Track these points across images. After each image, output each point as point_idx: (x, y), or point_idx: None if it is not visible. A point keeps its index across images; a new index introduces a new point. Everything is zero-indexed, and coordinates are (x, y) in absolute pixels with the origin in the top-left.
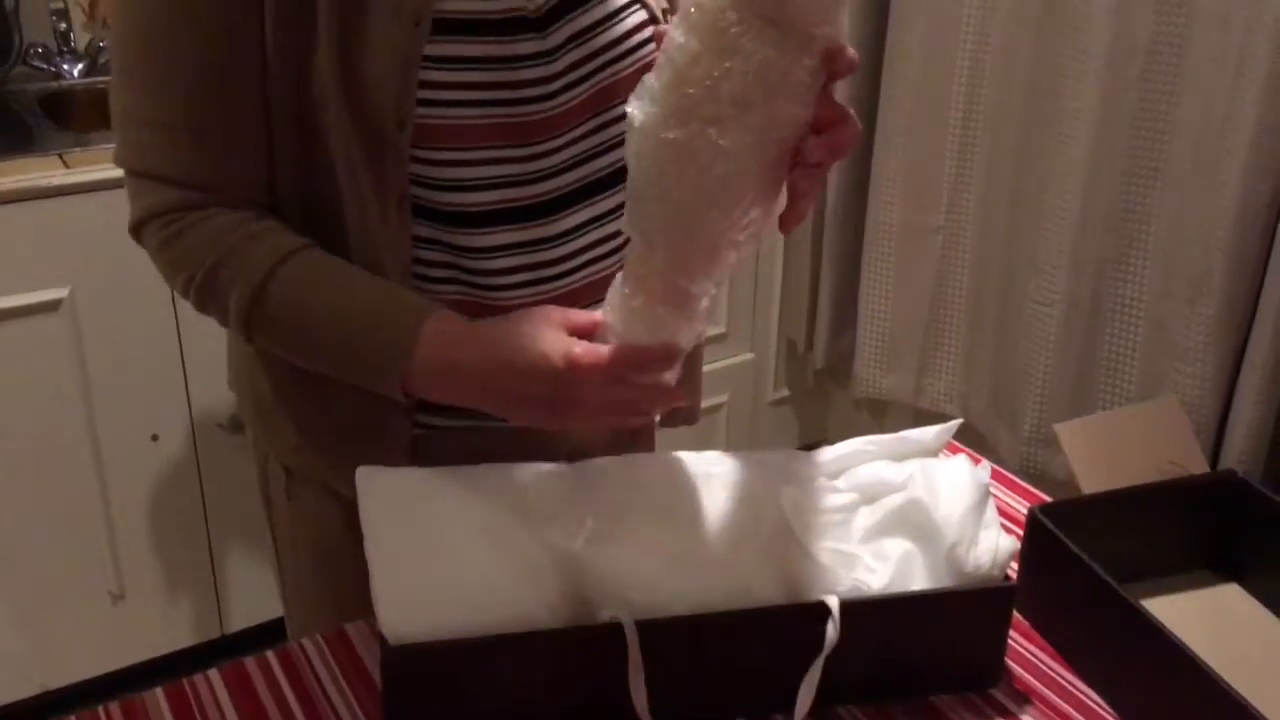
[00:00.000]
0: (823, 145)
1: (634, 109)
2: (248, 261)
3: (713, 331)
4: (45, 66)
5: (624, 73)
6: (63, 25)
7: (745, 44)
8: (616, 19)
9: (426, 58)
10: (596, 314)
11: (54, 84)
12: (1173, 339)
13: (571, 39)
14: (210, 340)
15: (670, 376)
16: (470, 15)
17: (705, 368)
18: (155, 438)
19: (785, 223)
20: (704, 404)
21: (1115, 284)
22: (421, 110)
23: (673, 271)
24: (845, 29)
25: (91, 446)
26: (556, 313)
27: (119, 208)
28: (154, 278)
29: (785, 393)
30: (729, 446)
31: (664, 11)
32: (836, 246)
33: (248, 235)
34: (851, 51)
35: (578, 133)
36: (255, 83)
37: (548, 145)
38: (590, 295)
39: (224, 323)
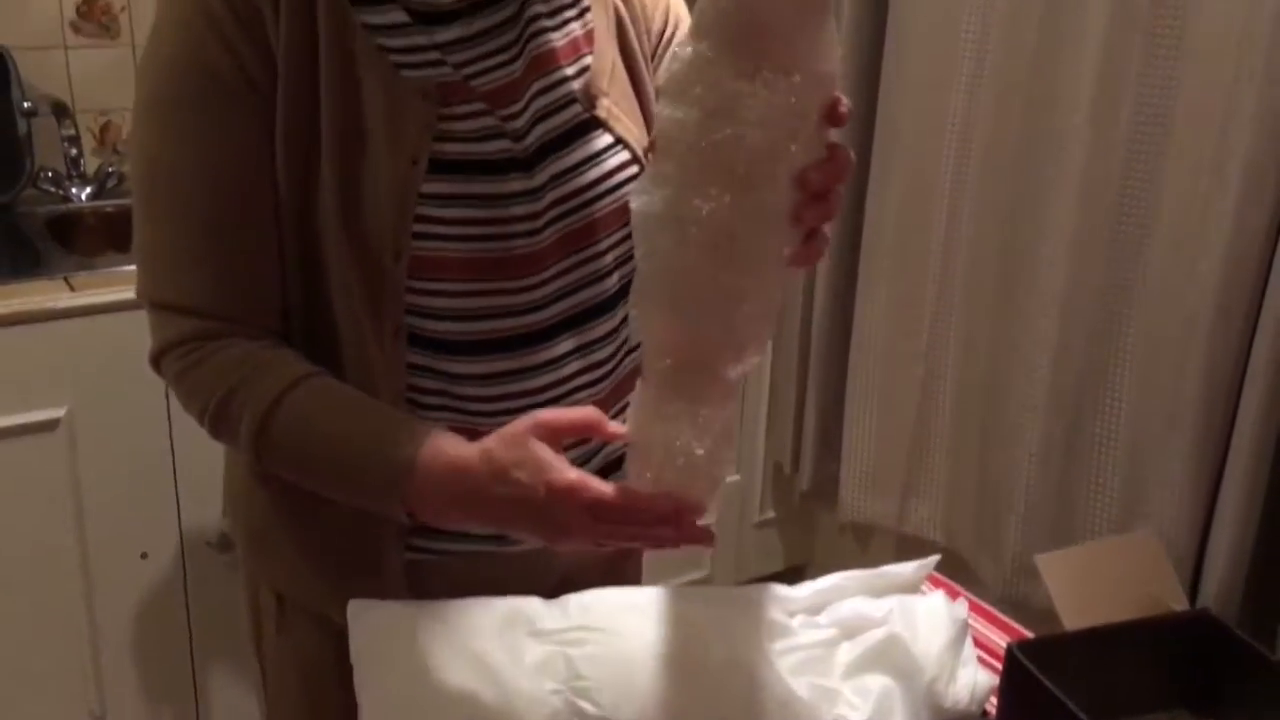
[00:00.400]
0: (824, 172)
1: (633, 198)
2: (256, 390)
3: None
4: (54, 190)
5: (604, 210)
6: (74, 151)
7: (717, 99)
8: (598, 159)
9: (422, 195)
10: (587, 410)
11: (62, 207)
12: (1150, 470)
13: (555, 177)
14: (203, 459)
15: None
16: (465, 156)
17: None
18: (145, 555)
19: (805, 259)
20: None
21: (1093, 414)
22: (416, 244)
23: (693, 352)
24: (825, 72)
25: (81, 563)
26: (546, 424)
27: (120, 330)
28: (150, 397)
29: (771, 514)
30: (715, 567)
31: (645, 151)
32: (821, 370)
33: (258, 364)
34: (845, 101)
35: (562, 266)
36: (269, 217)
37: (533, 279)
38: None
39: (237, 449)
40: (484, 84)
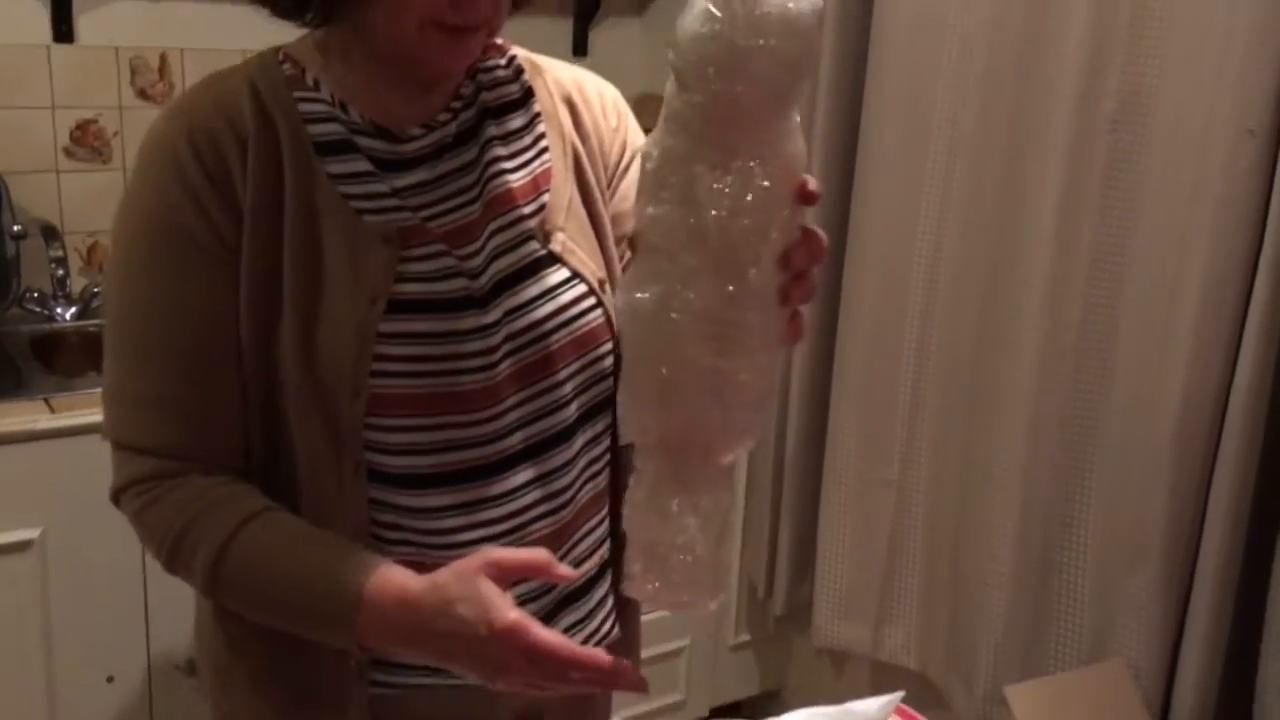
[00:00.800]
0: (804, 252)
1: (620, 298)
2: (211, 527)
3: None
4: (39, 309)
5: (561, 342)
6: (60, 271)
7: (694, 191)
8: (554, 293)
9: (380, 334)
10: (538, 552)
11: (46, 326)
12: (1118, 600)
13: (509, 313)
14: (174, 581)
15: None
16: (422, 296)
17: (663, 613)
18: (111, 679)
19: (789, 338)
20: (665, 648)
21: (1062, 545)
22: (374, 382)
23: (689, 442)
24: (791, 154)
25: (46, 685)
26: (494, 561)
27: (98, 451)
28: (124, 519)
29: (746, 638)
30: (690, 691)
31: (601, 283)
32: (795, 495)
33: (213, 501)
34: (813, 187)
35: (519, 398)
36: (233, 360)
37: (490, 412)
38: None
39: (190, 583)
40: (442, 225)
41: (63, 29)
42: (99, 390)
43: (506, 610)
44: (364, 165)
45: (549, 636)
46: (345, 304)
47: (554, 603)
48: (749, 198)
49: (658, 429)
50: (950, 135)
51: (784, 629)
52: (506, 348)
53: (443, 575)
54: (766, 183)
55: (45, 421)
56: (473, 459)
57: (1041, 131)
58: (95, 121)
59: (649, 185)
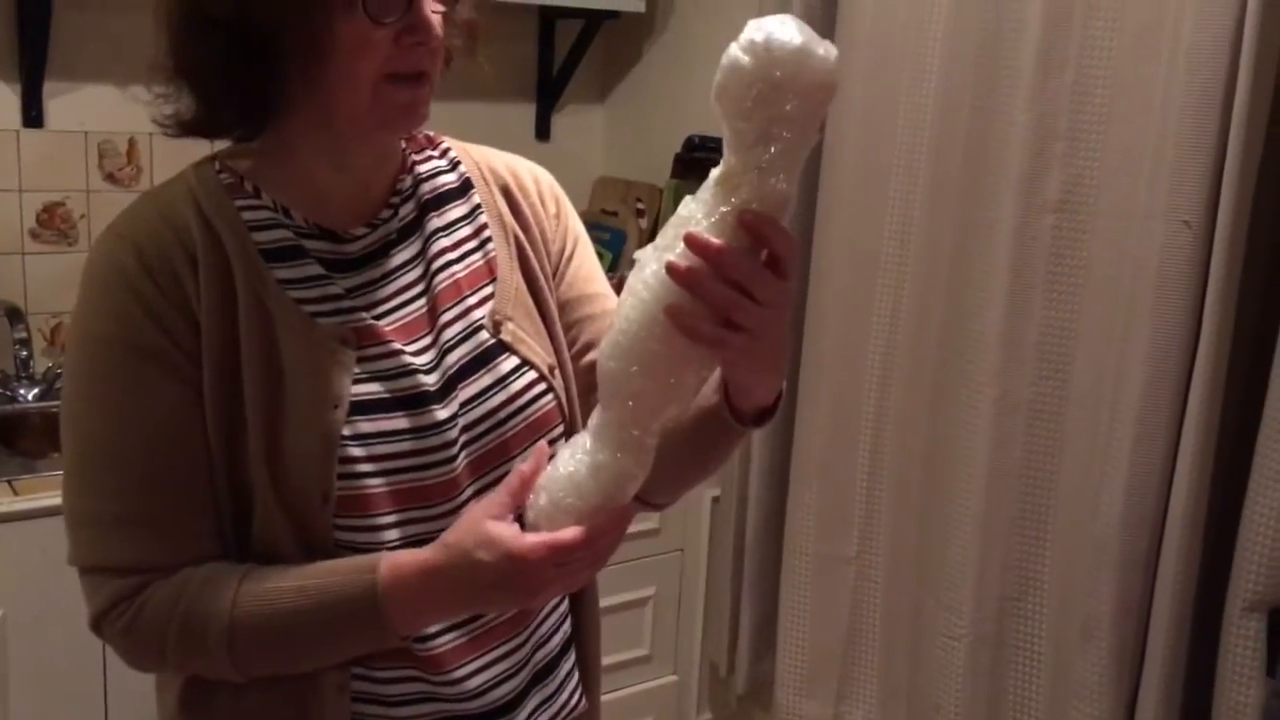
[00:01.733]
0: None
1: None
2: (210, 601)
3: (636, 653)
4: (2, 390)
5: (515, 429)
6: (24, 353)
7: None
8: (504, 383)
9: (344, 437)
10: (515, 477)
11: (9, 407)
12: (1072, 677)
13: (465, 404)
14: (134, 671)
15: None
16: (382, 395)
17: (627, 690)
18: None
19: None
20: None
21: (1017, 621)
22: (341, 483)
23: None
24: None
25: None
26: (497, 501)
27: (60, 533)
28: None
29: (709, 716)
30: None
31: (551, 368)
32: (756, 572)
33: (201, 581)
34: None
35: (476, 487)
36: (203, 470)
37: (450, 504)
38: (490, 639)
39: (207, 663)
40: (392, 323)
41: (33, 113)
42: (61, 473)
43: (520, 538)
44: (315, 269)
45: (566, 536)
46: (308, 410)
47: (525, 681)
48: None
49: (626, 389)
50: (902, 223)
51: (746, 707)
52: (464, 439)
53: (451, 535)
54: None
55: (7, 504)
56: None
57: (988, 216)
58: (63, 204)
59: (707, 185)
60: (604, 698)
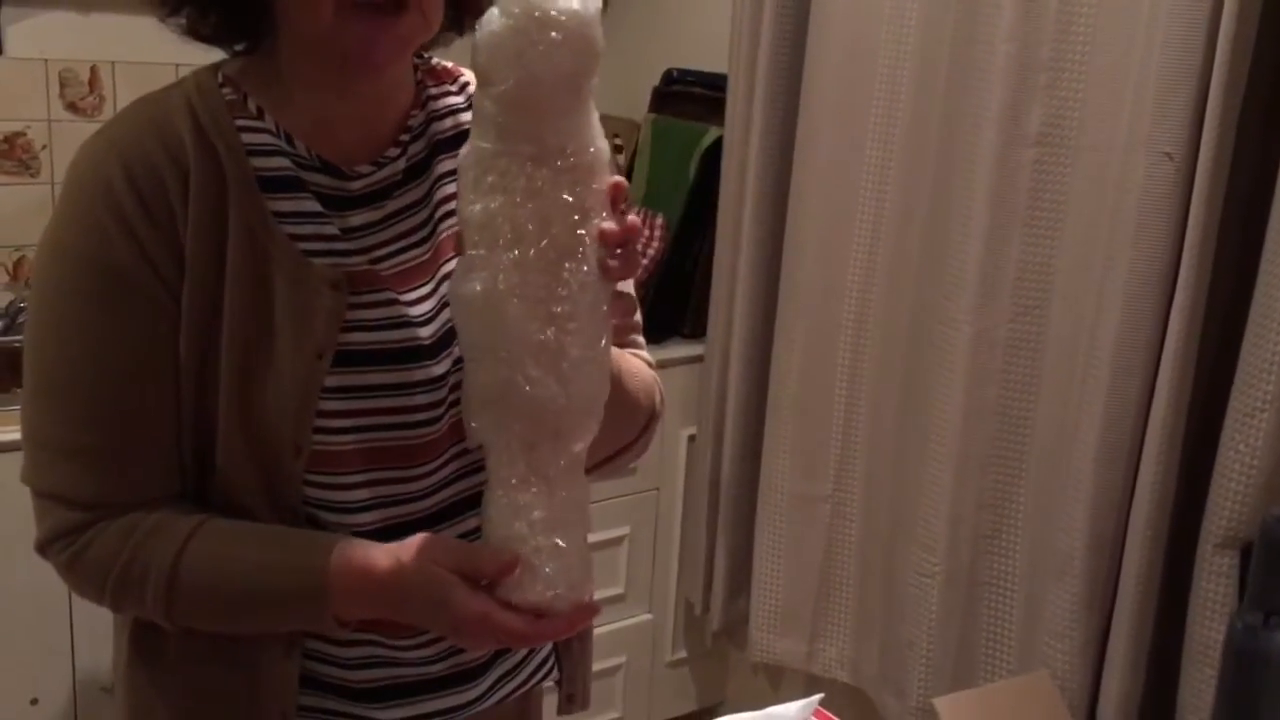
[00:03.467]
0: (618, 231)
1: (452, 288)
2: (155, 552)
3: (611, 592)
4: None
5: None
6: None
7: (510, 182)
8: None
9: (325, 389)
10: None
11: None
12: (1045, 613)
13: (458, 362)
14: (100, 608)
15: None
16: (370, 346)
17: (602, 629)
18: (35, 701)
19: (618, 313)
20: (602, 665)
21: (990, 559)
22: (317, 438)
23: (538, 425)
24: (598, 147)
25: None
26: (451, 555)
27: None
28: None
29: (684, 654)
30: (627, 708)
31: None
32: (730, 512)
33: (149, 529)
34: (622, 180)
35: (456, 449)
36: (169, 408)
37: (430, 466)
38: None
39: (143, 614)
40: (391, 268)
41: None
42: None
43: (466, 602)
44: (312, 204)
45: (511, 621)
46: (289, 357)
47: (489, 652)
48: (559, 182)
49: (507, 421)
50: (881, 157)
51: (721, 645)
52: (452, 398)
53: (404, 554)
54: (575, 170)
55: None
56: (411, 513)
57: (969, 150)
58: (23, 134)
59: (467, 186)
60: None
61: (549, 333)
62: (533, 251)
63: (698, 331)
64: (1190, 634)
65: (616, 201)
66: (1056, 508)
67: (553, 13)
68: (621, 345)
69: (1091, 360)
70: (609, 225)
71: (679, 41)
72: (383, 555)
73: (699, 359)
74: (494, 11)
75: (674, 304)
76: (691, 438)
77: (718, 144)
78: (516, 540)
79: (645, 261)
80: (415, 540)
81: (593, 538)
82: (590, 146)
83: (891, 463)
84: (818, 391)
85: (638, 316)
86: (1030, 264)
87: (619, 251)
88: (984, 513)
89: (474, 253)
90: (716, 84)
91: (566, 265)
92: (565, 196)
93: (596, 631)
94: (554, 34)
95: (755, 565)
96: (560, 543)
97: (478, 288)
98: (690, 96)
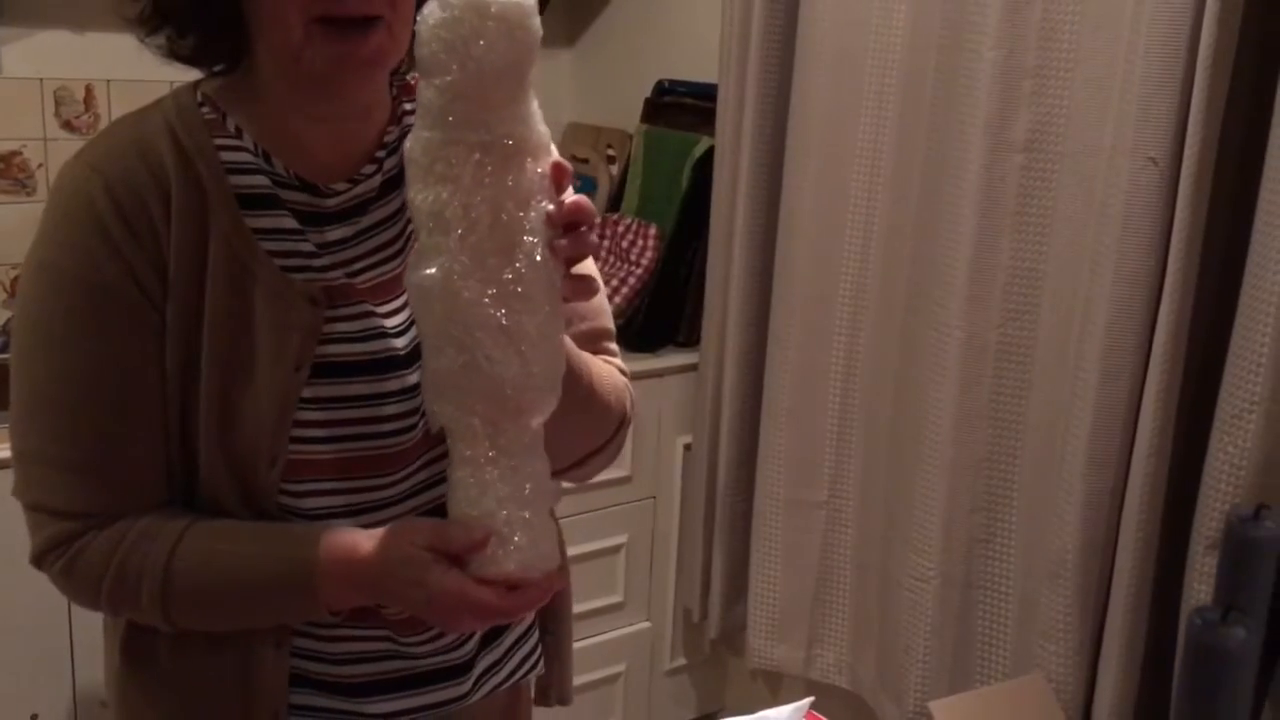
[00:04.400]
0: (565, 211)
1: (408, 275)
2: (147, 554)
3: (609, 600)
4: None
5: None
6: None
7: (458, 170)
8: None
9: (302, 399)
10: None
11: None
12: (1039, 616)
13: None
14: (99, 619)
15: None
16: (345, 358)
17: (600, 637)
18: (35, 717)
19: (579, 293)
20: (601, 673)
21: (984, 562)
22: (292, 447)
23: (498, 402)
24: (540, 132)
25: None
26: (430, 544)
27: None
28: None
29: (683, 661)
30: (627, 716)
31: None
32: (727, 519)
33: (140, 533)
34: (565, 163)
35: (427, 458)
36: (157, 419)
37: (395, 476)
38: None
39: (139, 615)
40: (366, 281)
41: None
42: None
43: (442, 579)
44: (289, 221)
45: (485, 595)
46: (266, 370)
47: (476, 646)
48: (506, 168)
49: (469, 402)
50: (871, 164)
51: (719, 652)
52: (420, 410)
53: (386, 537)
54: (520, 155)
55: None
56: (382, 520)
57: (956, 156)
58: (19, 153)
59: (416, 176)
60: (577, 644)
61: (505, 313)
62: (484, 237)
63: (692, 340)
64: (1182, 634)
65: (560, 183)
66: (1049, 510)
67: (493, 5)
68: (594, 352)
69: (1080, 364)
70: (553, 207)
71: (670, 52)
72: (364, 539)
73: (693, 368)
74: (434, 4)
75: (668, 313)
76: (687, 446)
77: (710, 154)
78: (485, 516)
79: (638, 270)
80: (393, 525)
81: (591, 547)
82: (533, 132)
83: (885, 468)
84: (811, 398)
85: (609, 324)
86: (1019, 269)
87: (567, 231)
88: (977, 516)
89: (427, 240)
90: (708, 94)
91: (517, 248)
92: (511, 181)
93: (595, 640)
94: (495, 24)
95: (752, 572)
96: (527, 515)
97: (433, 273)
98: (682, 107)
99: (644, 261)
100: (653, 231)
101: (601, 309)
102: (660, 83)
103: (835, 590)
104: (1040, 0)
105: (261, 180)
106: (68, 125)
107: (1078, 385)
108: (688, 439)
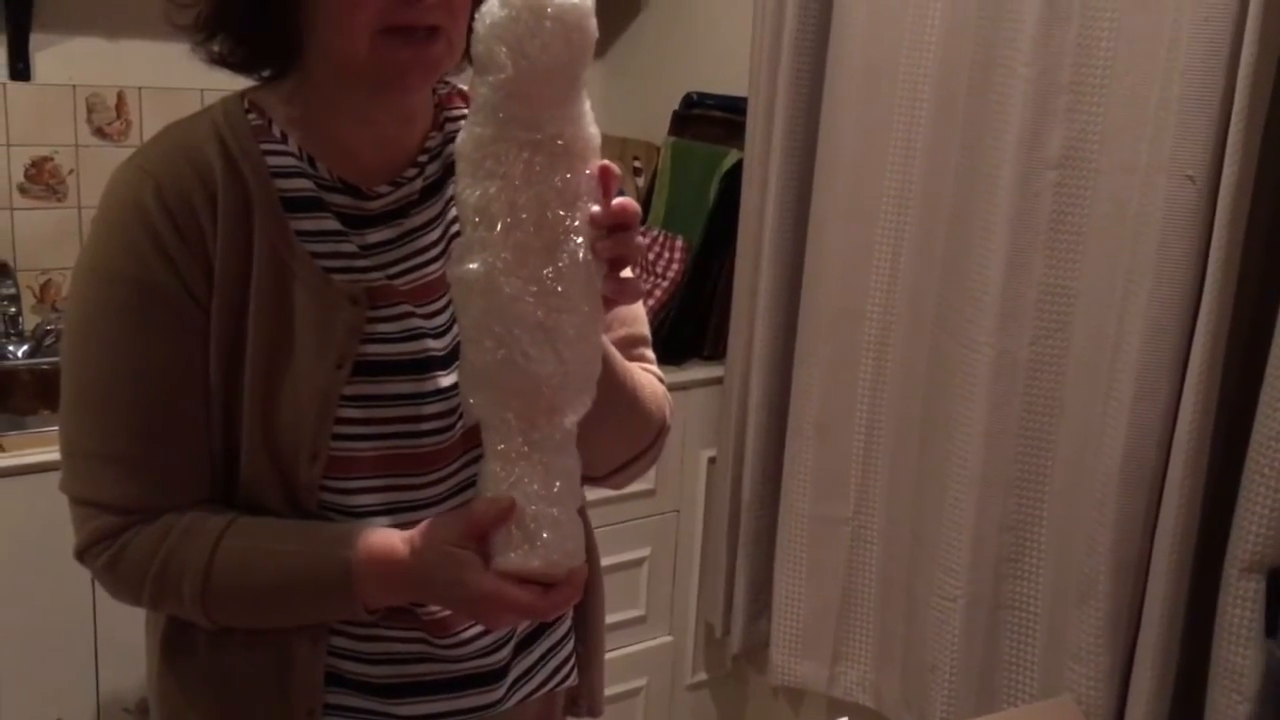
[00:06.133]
0: (608, 213)
1: (449, 269)
2: (189, 552)
3: (631, 614)
4: None
5: None
6: (12, 309)
7: (507, 167)
8: None
9: (343, 396)
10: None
11: None
12: (1068, 637)
13: None
14: (124, 623)
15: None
16: (386, 357)
17: (622, 651)
18: None
19: (622, 295)
20: (623, 687)
21: (1013, 582)
22: (333, 444)
23: (533, 399)
24: (590, 134)
25: None
26: (456, 530)
27: (50, 490)
28: (74, 559)
29: (704, 676)
30: None
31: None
32: (751, 534)
33: (184, 529)
34: (613, 166)
35: (467, 458)
36: (201, 416)
37: (435, 475)
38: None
39: (181, 612)
40: (407, 283)
41: (19, 66)
42: (51, 429)
43: (479, 579)
44: (332, 224)
45: (518, 593)
46: (309, 367)
47: (510, 652)
48: (554, 167)
49: (504, 397)
50: (902, 179)
51: (741, 668)
52: (459, 410)
53: (419, 539)
54: (569, 155)
55: None
56: (411, 522)
57: (989, 172)
58: (51, 159)
59: (465, 171)
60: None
61: (544, 311)
62: (528, 234)
63: (718, 353)
64: (1215, 659)
65: (608, 186)
66: (1079, 531)
67: (552, 5)
68: (631, 358)
69: (1114, 383)
70: (599, 208)
71: (698, 65)
72: (400, 541)
73: (719, 381)
74: (494, 2)
75: (694, 326)
76: (712, 460)
77: (738, 166)
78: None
79: (665, 283)
80: (424, 525)
81: (614, 560)
82: (584, 133)
83: (913, 485)
84: (839, 413)
85: (646, 331)
86: (1052, 286)
87: (610, 233)
88: (1006, 535)
89: (472, 235)
90: (736, 107)
91: (561, 247)
92: (559, 181)
93: (617, 653)
94: (551, 24)
95: (776, 588)
96: (554, 512)
97: (476, 268)
98: (710, 119)
99: (670, 274)
100: (679, 244)
101: (639, 316)
102: (688, 95)
103: (860, 607)
104: (1076, 17)
105: (305, 184)
106: (99, 132)
107: (1111, 404)
108: (712, 452)
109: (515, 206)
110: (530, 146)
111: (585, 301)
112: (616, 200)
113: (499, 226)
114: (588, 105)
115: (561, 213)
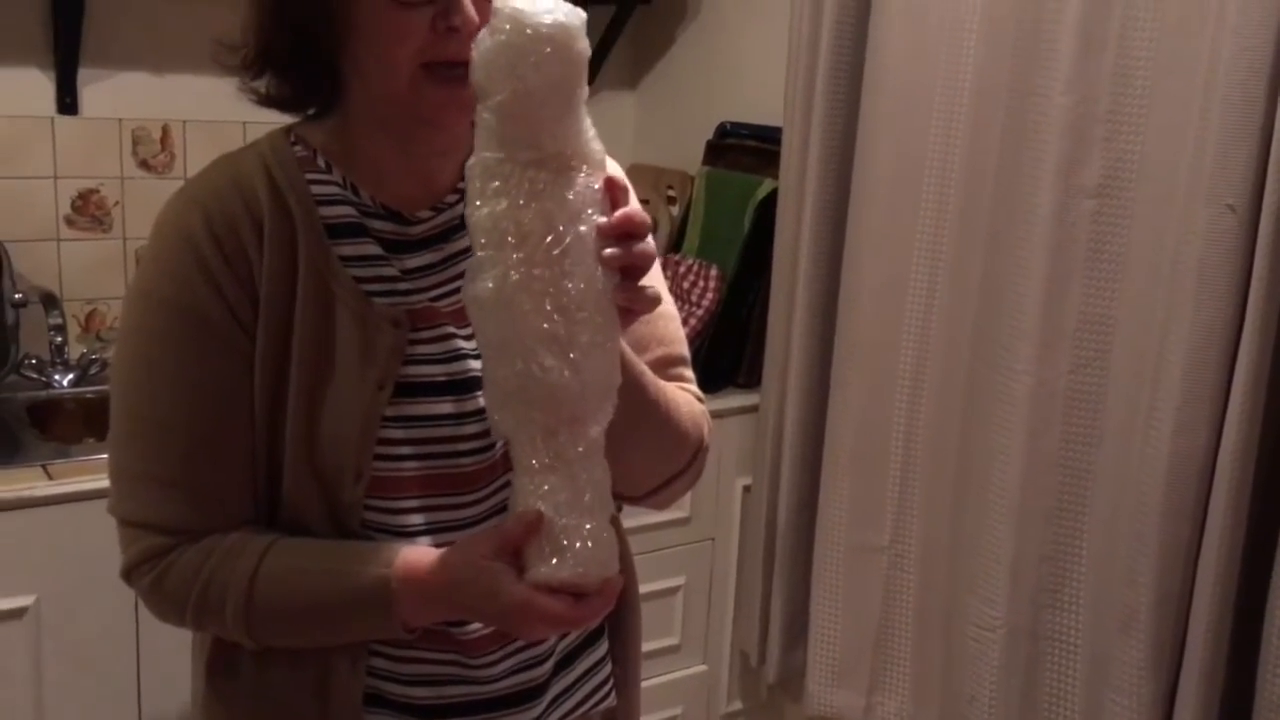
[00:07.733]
0: (616, 223)
1: (465, 289)
2: (231, 573)
3: (666, 643)
4: (37, 376)
5: None
6: (59, 339)
7: (512, 186)
8: None
9: (385, 418)
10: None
11: (43, 393)
12: (1109, 670)
13: None
14: (167, 651)
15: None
16: (428, 378)
17: (656, 680)
18: None
19: (637, 305)
20: (657, 717)
21: (1053, 613)
22: (376, 464)
23: (555, 411)
24: (593, 149)
25: None
26: (498, 547)
27: (94, 517)
28: (119, 586)
29: (739, 705)
30: None
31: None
32: (787, 562)
33: (226, 550)
34: (619, 177)
35: (502, 481)
36: (247, 440)
37: (476, 495)
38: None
39: (224, 632)
40: (450, 304)
41: (67, 100)
42: (96, 457)
43: (512, 590)
44: (374, 249)
45: (551, 604)
46: (352, 388)
47: (549, 671)
48: (558, 183)
49: (527, 411)
50: (937, 208)
51: (776, 697)
52: None
53: (453, 555)
54: (572, 170)
55: (43, 488)
56: (450, 541)
57: (1026, 201)
58: (97, 191)
59: (474, 193)
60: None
61: (558, 323)
62: (537, 249)
63: (753, 382)
64: (1261, 690)
65: (615, 197)
66: (1120, 562)
67: (541, 28)
68: (668, 379)
69: (1154, 412)
70: (604, 219)
71: (732, 95)
72: (435, 558)
73: (754, 409)
74: (484, 31)
75: (729, 354)
76: (747, 488)
77: (772, 195)
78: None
79: (700, 312)
80: (459, 542)
81: (648, 588)
82: (586, 148)
83: (949, 514)
84: (875, 442)
85: (684, 351)
86: (1090, 315)
87: (618, 242)
88: (1046, 566)
89: (483, 254)
90: (770, 136)
91: (570, 259)
92: (565, 195)
93: (652, 682)
94: (542, 46)
95: (812, 617)
96: (585, 523)
97: (489, 285)
98: (743, 149)
99: (705, 302)
100: (714, 273)
101: (675, 336)
102: (722, 124)
103: (897, 637)
104: (1113, 46)
105: (348, 210)
106: (144, 165)
107: (1151, 435)
108: (747, 480)
109: (522, 224)
110: (534, 165)
111: (598, 312)
112: (621, 210)
113: (508, 244)
114: (588, 121)
115: (569, 226)
